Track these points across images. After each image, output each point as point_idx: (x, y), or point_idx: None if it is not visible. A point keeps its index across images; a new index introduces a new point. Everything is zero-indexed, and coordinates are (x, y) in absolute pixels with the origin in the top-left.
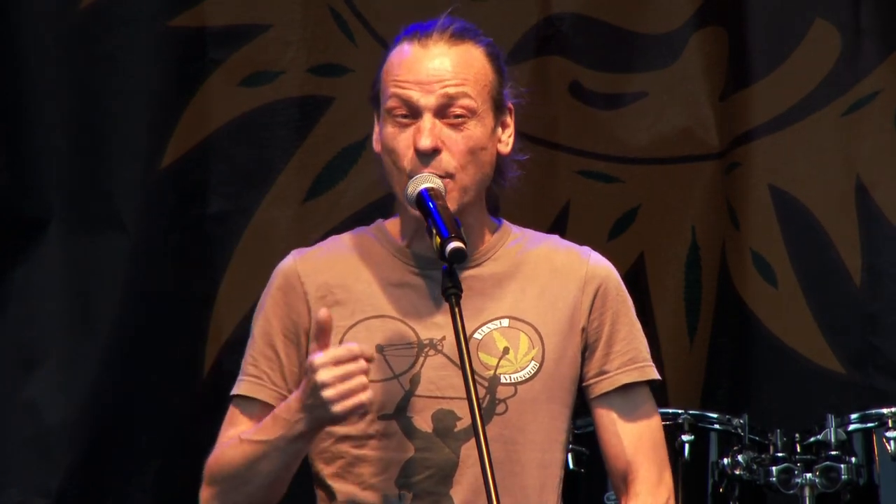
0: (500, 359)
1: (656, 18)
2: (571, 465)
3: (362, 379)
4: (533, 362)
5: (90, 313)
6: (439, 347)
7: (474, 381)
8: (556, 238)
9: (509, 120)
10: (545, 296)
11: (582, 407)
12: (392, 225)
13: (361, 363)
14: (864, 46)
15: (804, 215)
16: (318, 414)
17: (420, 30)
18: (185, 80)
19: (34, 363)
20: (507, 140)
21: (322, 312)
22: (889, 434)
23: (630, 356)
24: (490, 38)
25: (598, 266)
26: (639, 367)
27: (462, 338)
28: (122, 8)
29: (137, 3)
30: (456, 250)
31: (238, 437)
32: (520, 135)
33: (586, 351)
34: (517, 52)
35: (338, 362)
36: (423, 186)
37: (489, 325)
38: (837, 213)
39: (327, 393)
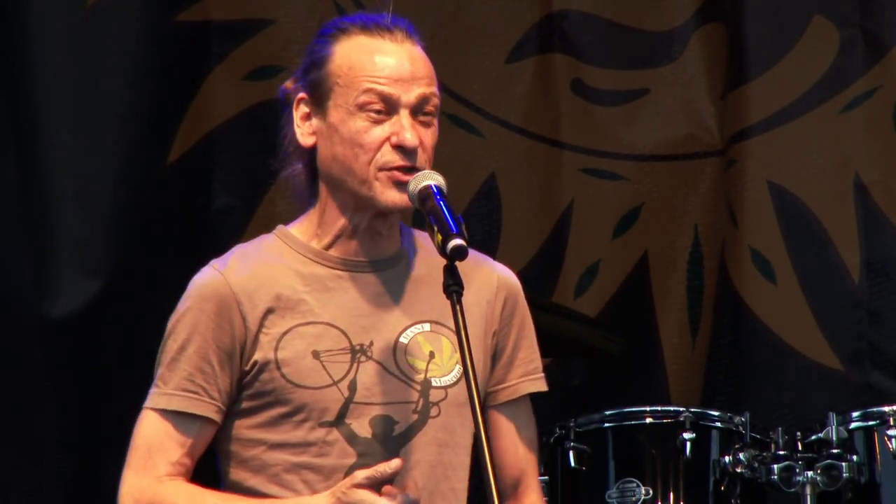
0: (428, 363)
1: (658, 15)
2: (573, 463)
3: None
4: (457, 366)
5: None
6: (369, 353)
7: (475, 381)
8: None
9: None
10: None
11: (583, 407)
12: (299, 229)
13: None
14: (863, 43)
15: (802, 212)
16: None
17: (376, 23)
18: (190, 75)
19: None
20: None
21: (394, 464)
22: (890, 432)
23: (533, 365)
24: (492, 35)
25: (505, 275)
26: (539, 378)
27: (463, 337)
28: (128, 3)
29: None
30: (457, 247)
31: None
32: (523, 132)
33: (493, 358)
34: (519, 50)
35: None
36: (427, 182)
37: (412, 328)
38: (836, 211)
39: None
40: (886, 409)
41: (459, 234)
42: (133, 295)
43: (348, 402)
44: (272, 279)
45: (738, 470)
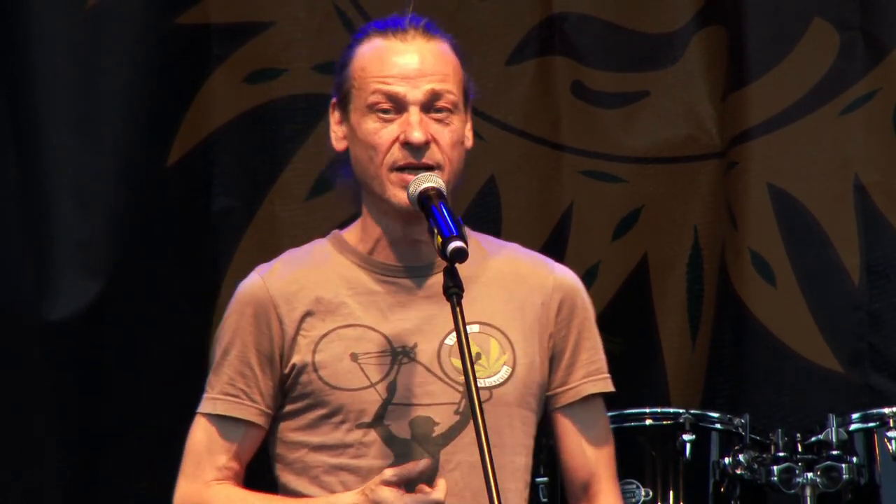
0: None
1: (658, 18)
2: None
3: None
4: (506, 367)
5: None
6: (412, 355)
7: (475, 381)
8: (516, 246)
9: (469, 115)
10: (513, 301)
11: None
12: (350, 234)
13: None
14: (863, 45)
15: (802, 214)
16: None
17: (391, 25)
18: (190, 77)
19: None
20: (469, 135)
21: (422, 464)
22: (890, 434)
23: (595, 366)
24: (492, 37)
25: (564, 276)
26: (602, 379)
27: (464, 336)
28: (128, 5)
29: (142, 1)
30: (457, 250)
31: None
32: (523, 135)
33: (552, 360)
34: (519, 52)
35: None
36: (425, 185)
37: None
38: (836, 213)
39: None
40: (886, 410)
41: (459, 237)
42: (133, 295)
43: (386, 403)
44: (314, 283)
45: (738, 471)
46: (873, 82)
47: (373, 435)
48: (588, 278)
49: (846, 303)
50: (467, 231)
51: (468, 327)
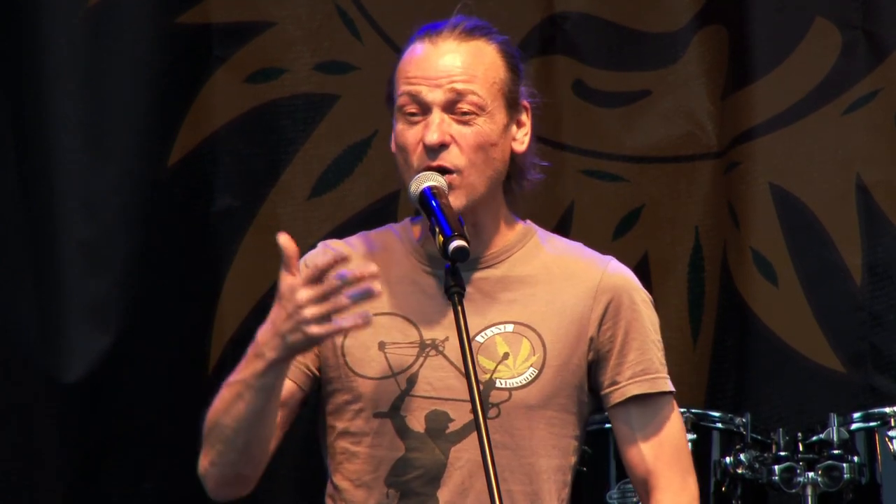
0: (499, 363)
1: (659, 17)
2: None
3: (342, 300)
4: (532, 369)
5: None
6: (440, 348)
7: (477, 382)
8: (580, 246)
9: (525, 118)
10: (554, 302)
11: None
12: (417, 225)
13: (334, 282)
14: (865, 45)
15: (804, 214)
16: (292, 339)
17: (432, 29)
18: (191, 78)
19: None
20: (522, 138)
21: (281, 239)
22: (892, 433)
23: (642, 367)
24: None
25: (614, 275)
26: (650, 379)
27: (464, 337)
28: (129, 5)
29: (143, 1)
30: (458, 248)
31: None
32: None
33: (599, 361)
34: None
35: (315, 281)
36: (425, 185)
37: (493, 328)
38: (838, 212)
39: (308, 312)
40: (888, 410)
41: (460, 236)
42: (134, 292)
43: (404, 394)
44: (363, 266)
45: (739, 471)
46: (875, 82)
47: (388, 425)
48: None
49: (848, 302)
50: (533, 227)
51: (502, 326)
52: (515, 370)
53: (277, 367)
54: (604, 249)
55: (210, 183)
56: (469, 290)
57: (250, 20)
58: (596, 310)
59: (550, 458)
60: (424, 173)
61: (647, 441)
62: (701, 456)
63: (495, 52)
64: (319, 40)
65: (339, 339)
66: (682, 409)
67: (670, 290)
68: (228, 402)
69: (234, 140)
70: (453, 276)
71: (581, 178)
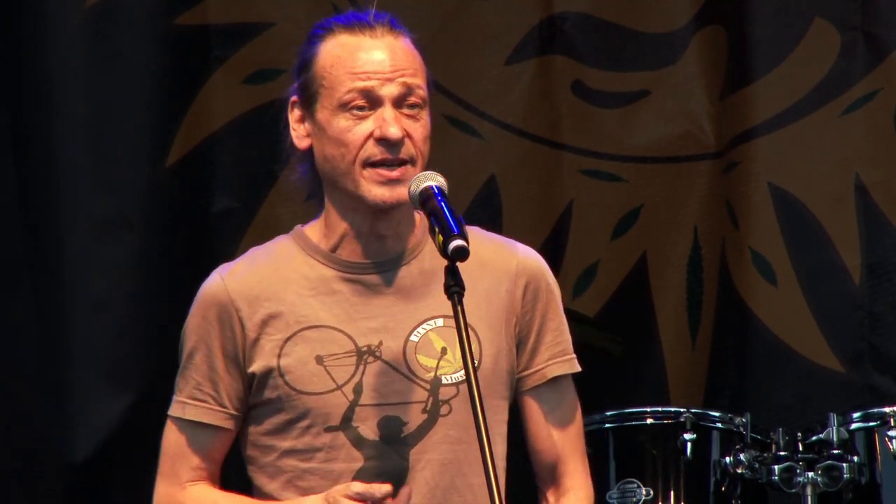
0: (440, 360)
1: (658, 17)
2: None
3: None
4: None
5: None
6: (377, 353)
7: (477, 382)
8: (477, 230)
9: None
10: (477, 291)
11: (583, 407)
12: (312, 230)
13: None
14: (864, 45)
15: (803, 214)
16: None
17: (357, 21)
18: (189, 78)
19: None
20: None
21: (386, 488)
22: (891, 433)
23: (560, 348)
24: (492, 37)
25: (528, 258)
26: (568, 360)
27: (464, 337)
28: (127, 6)
29: (142, 1)
30: (458, 248)
31: None
32: (523, 134)
33: (518, 345)
34: (520, 52)
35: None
36: (428, 183)
37: (424, 325)
38: (837, 212)
39: None
40: (887, 409)
41: (461, 235)
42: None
43: (353, 405)
44: (277, 283)
45: (739, 470)
46: (874, 82)
47: (341, 438)
48: (587, 277)
49: (847, 302)
50: (424, 217)
51: (432, 321)
52: (457, 364)
53: None
54: (603, 249)
55: (209, 183)
56: (396, 288)
57: (249, 21)
58: (517, 293)
59: (497, 445)
60: (425, 172)
61: (556, 425)
62: (701, 456)
63: (413, 46)
64: None
65: (274, 360)
66: (682, 409)
67: (669, 290)
68: None
69: (233, 140)
70: (453, 275)
71: (580, 177)
